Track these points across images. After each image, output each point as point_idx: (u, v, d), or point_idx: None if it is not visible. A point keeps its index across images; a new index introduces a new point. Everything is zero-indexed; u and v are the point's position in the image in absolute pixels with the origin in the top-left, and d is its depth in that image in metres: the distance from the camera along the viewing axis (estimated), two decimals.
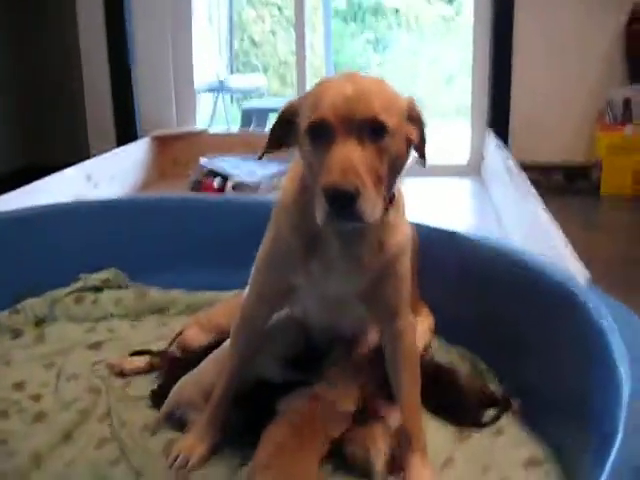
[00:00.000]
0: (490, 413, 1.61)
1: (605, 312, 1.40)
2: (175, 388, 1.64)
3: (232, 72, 7.60)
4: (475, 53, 4.56)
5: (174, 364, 1.79)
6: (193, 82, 4.88)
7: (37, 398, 1.75)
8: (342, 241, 1.34)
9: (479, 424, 1.58)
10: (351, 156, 1.15)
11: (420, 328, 1.68)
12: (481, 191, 4.16)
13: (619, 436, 0.99)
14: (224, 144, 4.43)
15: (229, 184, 3.75)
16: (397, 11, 8.13)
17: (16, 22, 4.95)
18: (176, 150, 4.60)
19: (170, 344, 1.89)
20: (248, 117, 6.47)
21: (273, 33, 8.29)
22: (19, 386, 1.80)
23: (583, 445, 1.26)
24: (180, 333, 1.89)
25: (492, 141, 4.19)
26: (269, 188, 3.78)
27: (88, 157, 4.15)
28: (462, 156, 4.74)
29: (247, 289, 1.54)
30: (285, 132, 1.32)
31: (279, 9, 8.00)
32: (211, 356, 1.67)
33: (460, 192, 4.30)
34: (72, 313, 2.21)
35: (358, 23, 8.26)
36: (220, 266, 2.26)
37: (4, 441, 1.54)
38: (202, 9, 6.20)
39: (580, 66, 4.34)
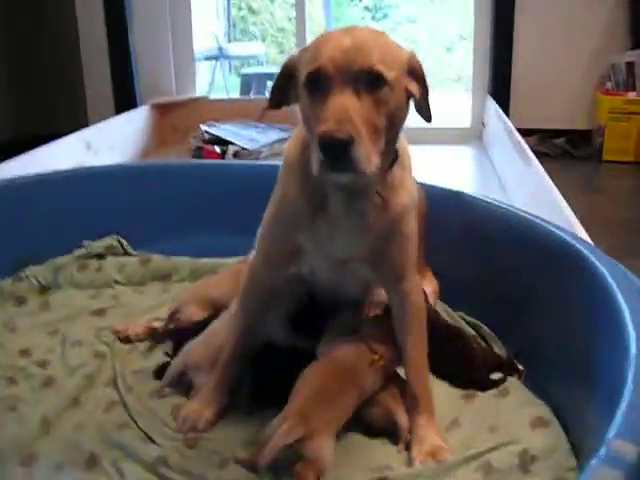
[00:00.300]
0: (496, 376, 1.62)
1: (611, 269, 1.40)
2: (182, 351, 1.64)
3: (230, 40, 7.55)
4: (476, 19, 4.53)
5: (181, 335, 1.76)
6: (192, 49, 4.84)
7: (43, 364, 1.75)
8: (346, 200, 1.33)
9: (485, 386, 1.59)
10: (347, 105, 1.14)
11: (427, 289, 1.68)
12: (483, 157, 4.15)
13: (627, 390, 0.99)
14: (224, 111, 4.40)
15: (230, 151, 3.73)
16: None
17: None
18: (176, 117, 4.58)
19: (167, 323, 1.85)
20: (247, 83, 6.44)
21: (271, 0, 8.21)
22: (25, 353, 1.80)
23: (590, 403, 1.27)
24: (175, 312, 1.85)
25: (493, 107, 4.17)
26: (270, 155, 3.77)
27: (87, 125, 4.12)
28: (463, 124, 4.74)
29: (254, 251, 1.54)
30: (286, 88, 1.32)
31: None
32: (219, 319, 1.67)
33: (462, 159, 4.29)
34: (76, 280, 2.20)
35: None
36: (224, 232, 2.25)
37: (13, 407, 1.54)
38: None
39: (583, 31, 4.30)
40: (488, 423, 1.45)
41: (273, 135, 3.94)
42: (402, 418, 1.43)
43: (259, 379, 1.54)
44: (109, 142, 3.84)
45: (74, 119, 4.58)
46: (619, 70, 4.19)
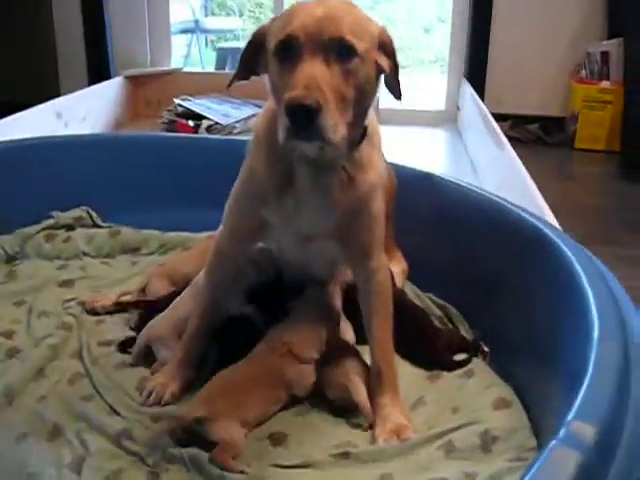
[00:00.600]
0: (461, 357, 1.63)
1: (578, 254, 1.42)
2: (147, 325, 1.63)
3: (207, 14, 7.47)
4: (455, 1, 4.51)
5: (149, 309, 1.75)
6: (169, 22, 4.76)
7: (9, 335, 1.74)
8: (313, 175, 1.33)
9: (449, 367, 1.60)
10: (316, 73, 1.14)
11: (395, 269, 1.68)
12: (456, 140, 4.16)
13: (588, 373, 1.00)
14: (198, 84, 4.34)
15: (203, 125, 3.69)
16: None
17: None
18: (149, 90, 4.50)
19: (136, 297, 1.85)
20: (223, 57, 6.38)
21: None
22: None
23: (553, 385, 1.28)
24: (145, 286, 1.85)
25: (468, 91, 4.18)
26: (244, 130, 3.74)
27: (58, 96, 4.05)
28: (438, 106, 4.73)
29: (220, 226, 1.53)
30: (255, 58, 1.31)
31: None
32: (184, 293, 1.66)
33: (435, 141, 4.29)
34: (44, 251, 2.18)
35: None
36: (194, 206, 2.24)
37: None
38: None
39: (560, 20, 4.30)
40: (452, 403, 1.46)
41: (247, 111, 3.91)
42: (360, 396, 1.43)
43: (224, 353, 1.54)
44: (81, 113, 3.77)
45: (45, 89, 4.49)
46: (594, 59, 4.21)
